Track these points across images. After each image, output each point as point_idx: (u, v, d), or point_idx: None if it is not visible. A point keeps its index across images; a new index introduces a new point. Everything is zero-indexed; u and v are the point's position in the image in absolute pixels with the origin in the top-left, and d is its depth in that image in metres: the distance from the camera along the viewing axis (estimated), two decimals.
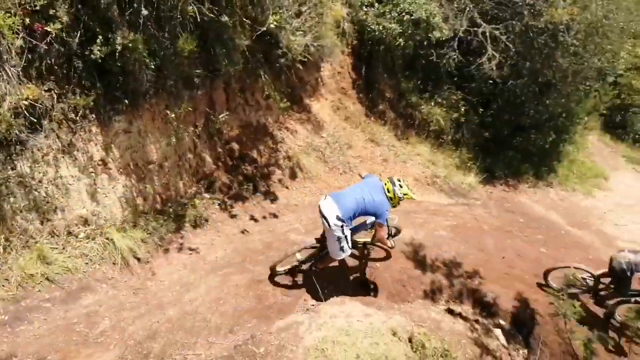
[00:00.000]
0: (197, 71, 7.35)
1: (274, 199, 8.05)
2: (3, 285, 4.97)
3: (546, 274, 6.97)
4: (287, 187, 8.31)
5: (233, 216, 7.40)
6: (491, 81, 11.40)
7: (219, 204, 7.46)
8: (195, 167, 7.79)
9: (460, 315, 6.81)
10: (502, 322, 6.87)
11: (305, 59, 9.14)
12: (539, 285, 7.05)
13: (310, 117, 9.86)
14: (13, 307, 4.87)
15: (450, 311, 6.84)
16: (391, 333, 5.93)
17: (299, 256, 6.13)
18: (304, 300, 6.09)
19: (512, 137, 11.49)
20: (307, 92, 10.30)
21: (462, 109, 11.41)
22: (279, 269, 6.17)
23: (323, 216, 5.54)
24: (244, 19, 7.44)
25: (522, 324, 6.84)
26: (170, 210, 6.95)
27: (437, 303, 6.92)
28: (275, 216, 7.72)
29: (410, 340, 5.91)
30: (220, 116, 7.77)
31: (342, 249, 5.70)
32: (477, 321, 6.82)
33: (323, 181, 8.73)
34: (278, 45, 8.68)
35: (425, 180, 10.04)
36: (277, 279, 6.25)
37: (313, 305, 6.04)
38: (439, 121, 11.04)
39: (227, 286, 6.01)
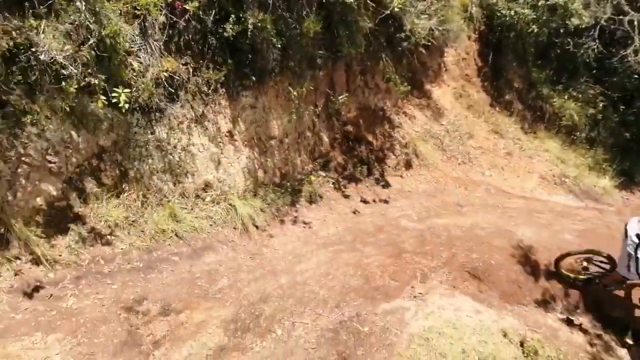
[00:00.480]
0: (320, 52, 7.57)
1: (386, 183, 8.02)
2: (139, 236, 5.54)
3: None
4: (401, 173, 8.25)
5: (346, 196, 7.52)
6: (636, 76, 10.29)
7: (333, 183, 7.61)
8: (312, 145, 8.02)
9: (580, 327, 6.33)
10: (629, 341, 6.27)
11: (429, 43, 8.94)
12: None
13: (430, 103, 9.65)
14: (146, 257, 5.41)
15: (569, 321, 6.37)
16: (502, 334, 5.71)
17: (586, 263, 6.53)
18: (411, 287, 6.04)
19: None
20: (428, 78, 10.08)
21: (600, 105, 10.46)
22: (564, 270, 6.56)
23: (625, 230, 5.84)
24: (368, 2, 7.47)
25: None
26: (288, 184, 7.25)
27: (556, 310, 6.48)
28: (386, 201, 7.71)
29: (521, 345, 5.66)
30: (340, 97, 7.88)
31: (628, 267, 5.80)
32: (599, 336, 6.29)
33: (440, 170, 8.53)
34: (401, 28, 8.59)
35: (552, 179, 9.39)
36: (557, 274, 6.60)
37: (421, 293, 5.98)
38: (572, 116, 10.22)
39: (337, 262, 6.13)
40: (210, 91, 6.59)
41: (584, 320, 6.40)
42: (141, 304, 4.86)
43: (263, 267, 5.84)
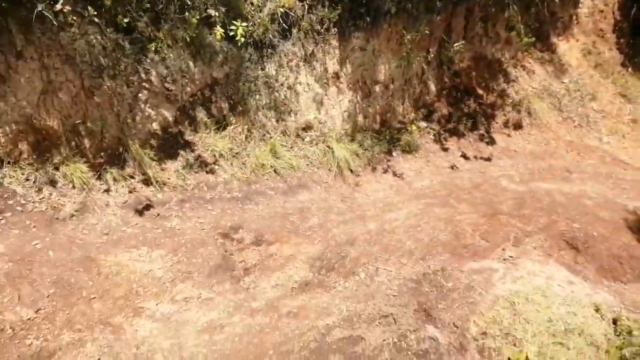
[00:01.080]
0: None
1: (491, 140, 7.57)
2: (240, 168, 5.82)
3: None
4: (509, 131, 7.72)
5: (445, 149, 7.24)
6: None
7: (434, 135, 7.34)
8: (418, 93, 7.71)
9: None
10: None
11: None
12: None
13: (553, 58, 8.78)
14: (245, 188, 5.67)
15: None
16: (593, 308, 5.38)
17: None
18: (502, 250, 5.80)
19: None
20: (556, 30, 9.12)
21: None
22: None
23: None
24: None
25: None
26: (387, 131, 7.10)
27: None
28: (488, 159, 7.31)
29: (614, 322, 5.29)
30: (455, 45, 7.42)
31: None
32: None
33: (552, 131, 7.86)
34: None
35: None
36: None
37: (512, 256, 5.73)
38: None
39: (427, 215, 6.02)
40: (322, 30, 6.52)
41: None
42: (237, 232, 5.14)
43: (353, 211, 5.88)
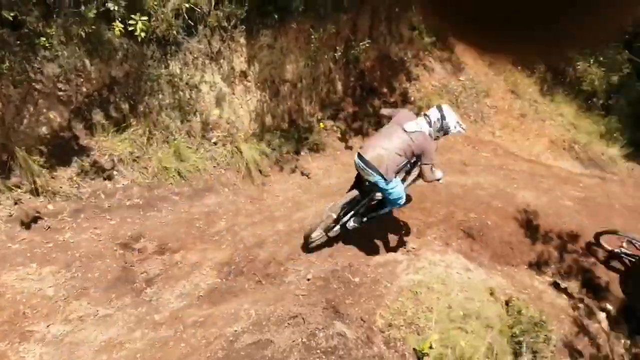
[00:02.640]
0: None
1: None
2: (141, 173, 5.35)
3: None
4: None
5: (351, 147, 7.18)
6: None
7: (340, 133, 7.28)
8: (325, 92, 7.60)
9: (565, 291, 6.27)
10: (609, 306, 6.27)
11: None
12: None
13: (452, 57, 9.02)
14: (147, 194, 5.24)
15: (555, 285, 6.32)
16: (488, 292, 5.70)
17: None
18: (405, 242, 5.89)
19: None
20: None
21: (625, 72, 9.69)
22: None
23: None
24: None
25: (631, 315, 6.16)
26: (295, 131, 6.93)
27: (543, 274, 6.42)
28: None
29: (507, 304, 5.64)
30: (361, 43, 7.38)
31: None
32: (581, 300, 6.27)
33: None
34: None
35: (561, 144, 8.87)
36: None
37: (414, 248, 5.84)
38: (593, 81, 9.50)
39: None
40: (230, 27, 6.13)
41: (570, 285, 6.33)
42: (138, 241, 4.77)
43: (262, 213, 5.69)
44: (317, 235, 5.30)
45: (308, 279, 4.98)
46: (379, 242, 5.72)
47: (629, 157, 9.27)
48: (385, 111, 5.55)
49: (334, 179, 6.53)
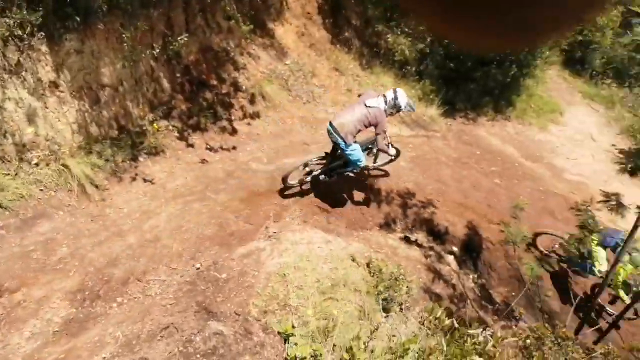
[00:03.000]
0: None
1: (234, 129, 7.82)
2: None
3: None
4: (248, 116, 8.09)
5: (191, 145, 7.20)
6: None
7: (177, 132, 7.22)
8: (152, 92, 7.44)
9: (415, 242, 7.11)
10: (454, 248, 7.24)
11: None
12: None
13: (273, 42, 9.47)
14: None
15: (406, 239, 7.12)
16: (350, 259, 6.16)
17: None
18: (265, 228, 6.15)
19: (474, 70, 11.45)
20: (270, 16, 9.82)
21: (428, 39, 11.22)
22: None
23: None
24: None
25: (472, 251, 7.21)
26: (127, 137, 6.69)
27: (394, 231, 7.16)
28: (234, 147, 7.53)
29: (368, 266, 6.17)
30: (179, 38, 7.36)
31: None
32: (431, 248, 7.16)
33: (286, 110, 8.55)
34: None
35: None
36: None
37: (275, 232, 6.13)
38: (404, 51, 10.81)
39: (189, 214, 5.98)
40: (25, 35, 5.67)
41: (418, 236, 7.20)
42: None
43: (107, 229, 5.45)
44: (293, 184, 6.79)
45: (197, 268, 5.13)
46: (239, 234, 5.89)
47: (445, 115, 10.80)
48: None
49: (181, 179, 6.50)
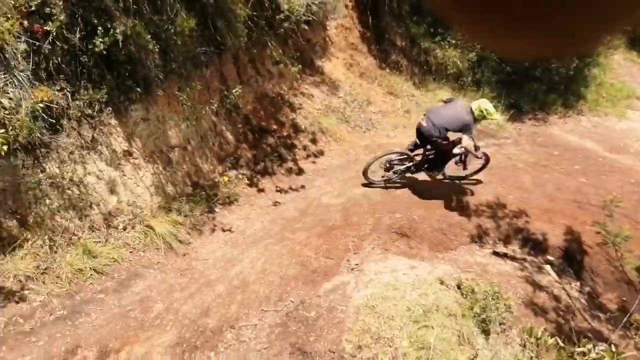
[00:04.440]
0: (203, 49, 7.40)
1: (300, 167, 8.08)
2: (56, 283, 5.17)
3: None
4: (312, 154, 8.34)
5: (262, 190, 7.49)
6: None
7: (247, 180, 7.55)
8: (218, 145, 7.86)
9: (506, 256, 6.87)
10: (550, 258, 6.92)
11: (310, 19, 9.05)
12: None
13: (324, 78, 9.79)
14: (69, 302, 5.07)
15: (496, 253, 6.90)
16: (438, 282, 6.03)
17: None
18: (347, 261, 6.20)
19: (533, 68, 11.20)
20: (317, 53, 10.19)
21: (478, 46, 11.15)
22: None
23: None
24: None
25: (571, 257, 6.86)
26: (201, 191, 7.08)
27: (482, 247, 6.97)
28: (303, 186, 7.76)
29: (459, 287, 6.01)
30: (234, 90, 7.79)
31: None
32: (525, 260, 6.87)
33: (347, 142, 8.74)
34: (279, 9, 8.62)
35: None
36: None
37: (357, 264, 6.15)
38: (455, 63, 10.82)
39: (270, 256, 6.14)
40: (95, 113, 6.21)
41: (509, 250, 6.94)
42: (75, 354, 4.57)
43: (197, 281, 5.70)
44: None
45: (286, 309, 5.32)
46: (322, 269, 5.97)
47: (512, 119, 10.58)
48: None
49: (258, 224, 6.75)
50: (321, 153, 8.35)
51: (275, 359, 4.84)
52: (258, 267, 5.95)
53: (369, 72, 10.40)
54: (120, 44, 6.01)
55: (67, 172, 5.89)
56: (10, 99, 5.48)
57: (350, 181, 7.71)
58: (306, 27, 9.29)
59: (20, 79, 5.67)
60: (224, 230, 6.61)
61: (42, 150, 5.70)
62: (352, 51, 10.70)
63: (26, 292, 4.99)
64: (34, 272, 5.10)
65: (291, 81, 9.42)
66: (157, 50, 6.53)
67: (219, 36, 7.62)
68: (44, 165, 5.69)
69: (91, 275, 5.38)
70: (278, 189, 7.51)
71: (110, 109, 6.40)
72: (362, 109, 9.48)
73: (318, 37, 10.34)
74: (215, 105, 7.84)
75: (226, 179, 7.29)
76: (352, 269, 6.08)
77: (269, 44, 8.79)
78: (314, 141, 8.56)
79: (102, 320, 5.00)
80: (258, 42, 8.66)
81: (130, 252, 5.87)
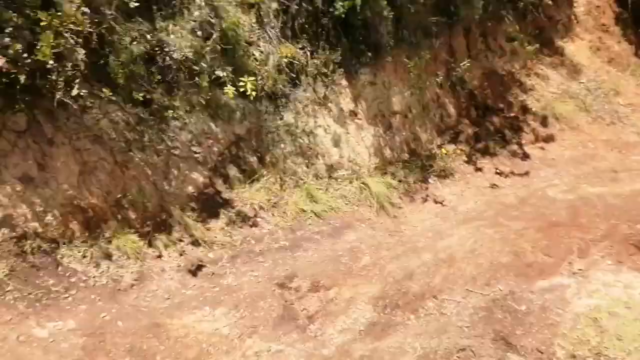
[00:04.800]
0: (434, 19, 7.39)
1: (525, 152, 7.60)
2: (282, 217, 5.85)
3: None
4: (541, 140, 7.74)
5: (480, 169, 7.24)
6: None
7: (465, 156, 7.37)
8: (439, 117, 7.79)
9: None
10: None
11: None
12: None
13: (564, 60, 8.93)
14: (291, 236, 5.68)
15: None
16: None
17: None
18: (568, 263, 5.61)
19: None
20: (558, 33, 9.33)
21: None
22: None
23: None
24: None
25: None
26: (417, 160, 7.14)
27: None
28: (527, 172, 7.27)
29: None
30: (462, 64, 7.58)
31: None
32: None
33: (586, 133, 7.89)
34: None
35: None
36: None
37: (580, 269, 5.53)
38: None
39: (481, 238, 5.90)
40: (329, 72, 6.68)
41: None
42: (292, 281, 5.13)
43: (403, 244, 5.81)
44: None
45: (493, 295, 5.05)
46: (538, 265, 5.52)
47: None
48: None
49: (471, 203, 6.58)
50: (551, 140, 7.68)
51: (476, 340, 4.64)
52: (467, 246, 5.76)
53: (620, 59, 9.16)
54: (358, 8, 6.32)
55: (301, 123, 6.48)
56: (262, 51, 6.19)
57: (585, 177, 6.96)
58: (550, 2, 8.63)
59: (271, 34, 6.35)
60: (435, 202, 6.59)
61: (282, 100, 6.34)
62: (601, 33, 9.53)
63: (258, 219, 5.75)
64: (266, 204, 5.84)
65: (525, 60, 8.79)
66: (390, 17, 6.70)
67: (453, 6, 7.52)
68: (282, 113, 6.34)
69: (311, 217, 5.93)
70: (498, 171, 7.18)
71: (342, 70, 6.80)
72: (607, 99, 8.42)
73: (562, 14, 9.44)
74: (441, 77, 7.73)
75: (444, 151, 7.21)
76: (574, 273, 5.47)
77: (506, 18, 8.34)
78: (544, 126, 7.92)
79: (316, 258, 5.47)
80: (493, 16, 8.25)
81: (346, 204, 6.26)
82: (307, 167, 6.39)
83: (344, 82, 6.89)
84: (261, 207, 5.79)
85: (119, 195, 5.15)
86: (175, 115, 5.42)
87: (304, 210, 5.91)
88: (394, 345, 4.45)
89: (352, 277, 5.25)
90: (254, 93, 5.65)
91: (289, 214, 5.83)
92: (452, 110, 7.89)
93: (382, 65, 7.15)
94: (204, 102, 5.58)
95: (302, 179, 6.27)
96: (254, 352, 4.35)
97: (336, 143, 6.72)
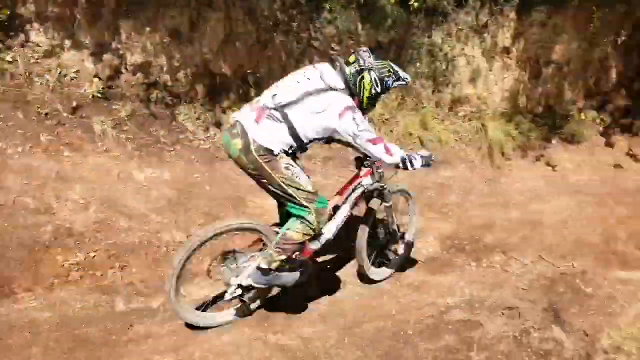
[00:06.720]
0: None
1: None
2: (387, 134, 6.01)
3: None
4: None
5: (611, 145, 6.78)
6: None
7: (602, 128, 6.84)
8: (595, 80, 7.18)
9: None
10: None
11: None
12: None
13: None
14: None
15: None
16: None
17: None
18: None
19: None
20: None
21: None
22: None
23: None
24: None
25: None
26: (549, 117, 6.81)
27: None
28: None
29: None
30: None
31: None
32: None
33: None
34: None
35: None
36: None
37: None
38: None
39: (578, 213, 5.78)
40: (502, 0, 6.39)
41: None
42: None
43: (495, 196, 5.84)
44: None
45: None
46: (624, 256, 5.36)
47: None
48: None
49: (585, 176, 6.33)
50: None
51: (527, 303, 4.79)
52: (560, 216, 5.69)
53: None
54: None
55: (447, 46, 6.42)
56: None
57: None
58: None
59: None
60: (547, 165, 6.40)
61: (439, 18, 6.26)
62: None
63: None
64: (377, 118, 5.98)
65: None
66: None
67: None
68: (432, 31, 6.30)
69: (415, 142, 6.05)
70: (631, 153, 6.68)
71: (517, 1, 6.48)
72: None
73: None
74: (623, 38, 6.97)
75: (582, 116, 6.77)
76: None
77: None
78: None
79: (404, 182, 5.65)
80: None
81: (456, 140, 6.31)
82: (433, 93, 6.40)
83: (512, 15, 6.57)
84: (370, 120, 5.82)
85: (248, 71, 5.53)
86: (330, 7, 5.58)
87: (411, 134, 6.02)
88: (445, 284, 4.70)
89: (431, 210, 5.39)
90: (416, 4, 5.66)
91: (395, 132, 5.98)
92: (613, 76, 7.20)
93: (564, 8, 6.64)
94: (362, 1, 5.66)
95: (422, 103, 6.32)
96: None
97: (473, 77, 6.62)
